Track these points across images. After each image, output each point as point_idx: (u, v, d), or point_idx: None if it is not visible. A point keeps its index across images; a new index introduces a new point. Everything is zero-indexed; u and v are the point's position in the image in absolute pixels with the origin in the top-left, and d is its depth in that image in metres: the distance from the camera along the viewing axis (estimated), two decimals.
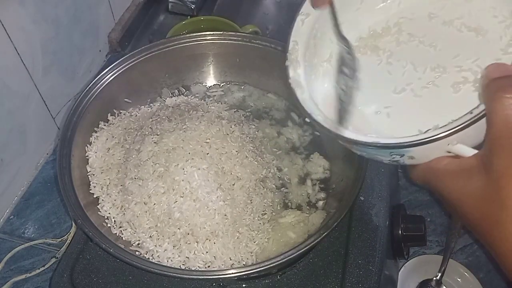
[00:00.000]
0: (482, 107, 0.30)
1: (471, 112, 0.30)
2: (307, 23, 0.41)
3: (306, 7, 0.41)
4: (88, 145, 0.55)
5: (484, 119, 0.29)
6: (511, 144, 0.27)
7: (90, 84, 0.56)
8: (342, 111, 0.38)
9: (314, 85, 0.41)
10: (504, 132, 0.28)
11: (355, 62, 0.40)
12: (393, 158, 0.34)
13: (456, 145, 0.31)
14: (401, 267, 0.63)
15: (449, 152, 0.32)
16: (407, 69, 0.38)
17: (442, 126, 0.30)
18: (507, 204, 0.27)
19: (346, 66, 0.40)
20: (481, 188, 0.29)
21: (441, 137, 0.30)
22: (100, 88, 0.57)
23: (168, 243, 0.48)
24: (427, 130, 0.32)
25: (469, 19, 0.38)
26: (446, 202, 0.32)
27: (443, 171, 0.32)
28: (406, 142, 0.31)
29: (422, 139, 0.31)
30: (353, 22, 0.42)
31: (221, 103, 0.63)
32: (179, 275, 0.44)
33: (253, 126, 0.60)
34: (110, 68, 0.58)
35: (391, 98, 0.37)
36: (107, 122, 0.58)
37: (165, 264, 0.47)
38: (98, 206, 0.52)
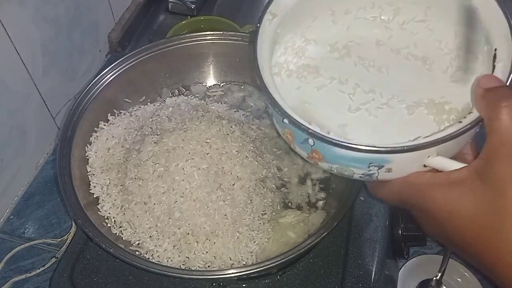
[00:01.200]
0: (472, 117, 0.30)
1: (460, 122, 0.30)
2: (273, 24, 0.39)
3: (274, 6, 0.39)
4: (88, 145, 0.55)
5: (466, 134, 0.29)
6: None
7: (90, 84, 0.56)
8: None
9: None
10: (508, 138, 0.27)
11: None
12: (369, 171, 0.32)
13: (436, 157, 0.31)
14: (401, 267, 0.63)
15: (425, 167, 0.31)
16: (360, 89, 0.38)
17: (433, 134, 0.30)
18: (511, 213, 0.26)
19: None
20: (478, 199, 0.28)
21: (435, 142, 0.30)
22: (100, 88, 0.57)
23: (168, 243, 0.48)
24: (417, 138, 0.31)
25: (415, 49, 0.39)
26: (430, 220, 0.31)
27: (428, 185, 0.31)
28: (403, 147, 0.30)
29: (419, 144, 0.30)
30: (303, 39, 0.42)
31: (221, 103, 0.63)
32: (179, 275, 0.44)
33: (253, 126, 0.60)
34: (110, 68, 0.58)
35: (347, 116, 0.37)
36: (107, 122, 0.58)
37: (165, 264, 0.47)
38: (98, 206, 0.52)
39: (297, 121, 0.33)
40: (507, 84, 0.31)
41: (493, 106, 0.28)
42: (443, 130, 0.30)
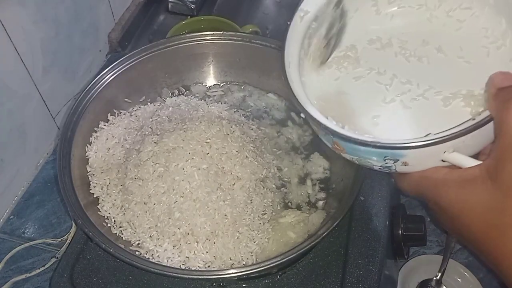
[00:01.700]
0: (485, 114, 0.30)
1: (473, 119, 0.30)
2: (305, 21, 0.40)
3: (306, 3, 0.40)
4: (88, 145, 0.55)
5: (482, 129, 0.29)
6: None
7: (90, 84, 0.56)
8: (326, 47, 0.38)
9: (307, 83, 0.40)
10: None
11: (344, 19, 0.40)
12: (386, 163, 0.33)
13: (452, 153, 0.31)
14: (401, 267, 0.63)
15: (444, 162, 0.31)
16: (397, 80, 0.38)
17: (443, 131, 0.30)
18: None
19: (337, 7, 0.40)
20: (487, 198, 0.28)
21: (441, 140, 0.30)
22: (100, 88, 0.57)
23: (168, 243, 0.48)
24: (428, 134, 0.31)
25: (460, 39, 0.38)
26: (443, 214, 0.32)
27: (443, 180, 0.31)
28: (407, 144, 0.31)
29: (423, 141, 0.30)
30: (346, 30, 0.42)
31: (221, 103, 0.63)
32: (179, 275, 0.44)
33: (254, 126, 0.60)
34: (110, 68, 0.58)
35: (380, 107, 0.37)
36: (107, 122, 0.58)
37: (165, 264, 0.47)
38: (98, 206, 0.52)
39: (312, 116, 0.34)
40: None
41: (503, 107, 0.28)
42: (454, 127, 0.30)
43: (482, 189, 0.28)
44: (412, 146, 0.30)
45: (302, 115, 0.36)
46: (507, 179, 0.27)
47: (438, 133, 0.30)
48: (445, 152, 0.31)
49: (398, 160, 0.32)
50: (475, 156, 0.31)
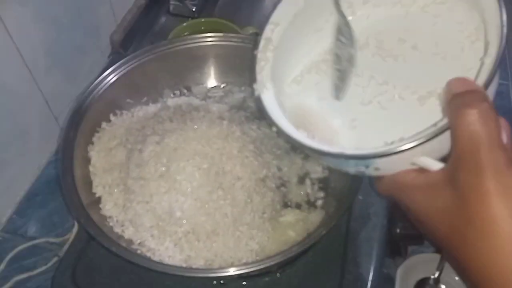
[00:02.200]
0: (446, 120, 0.30)
1: (435, 125, 0.30)
2: (276, 34, 0.40)
3: (276, 16, 0.40)
4: (90, 145, 0.56)
5: (448, 132, 0.29)
6: (476, 160, 0.27)
7: (93, 85, 0.57)
8: (340, 80, 0.38)
9: (282, 94, 0.41)
10: (469, 147, 0.27)
11: (351, 32, 0.39)
12: (359, 169, 0.33)
13: (421, 157, 0.31)
14: (399, 266, 0.63)
15: (414, 164, 0.32)
16: (375, 81, 0.38)
17: (407, 138, 0.30)
18: (473, 220, 0.27)
19: (343, 35, 0.39)
20: (448, 203, 0.28)
21: (405, 149, 0.30)
22: (102, 89, 0.57)
23: (169, 242, 0.49)
24: (392, 142, 0.31)
25: (436, 35, 0.38)
26: (413, 217, 0.32)
27: (410, 185, 0.31)
28: (370, 154, 0.31)
29: (386, 151, 0.30)
30: (323, 34, 0.42)
31: (222, 104, 0.63)
32: (180, 273, 0.45)
33: (254, 126, 0.60)
34: (112, 69, 0.58)
35: (358, 109, 0.37)
36: (109, 122, 0.59)
37: (166, 263, 0.48)
38: (100, 206, 0.52)
39: (281, 129, 0.35)
40: (484, 84, 0.30)
41: (456, 113, 0.28)
42: (417, 133, 0.30)
43: (444, 195, 0.28)
44: (372, 155, 0.31)
45: (273, 128, 0.36)
46: (462, 186, 0.27)
47: (402, 140, 0.30)
48: (413, 156, 0.31)
49: (369, 166, 0.33)
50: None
